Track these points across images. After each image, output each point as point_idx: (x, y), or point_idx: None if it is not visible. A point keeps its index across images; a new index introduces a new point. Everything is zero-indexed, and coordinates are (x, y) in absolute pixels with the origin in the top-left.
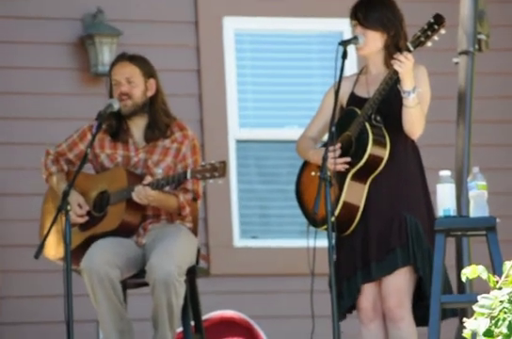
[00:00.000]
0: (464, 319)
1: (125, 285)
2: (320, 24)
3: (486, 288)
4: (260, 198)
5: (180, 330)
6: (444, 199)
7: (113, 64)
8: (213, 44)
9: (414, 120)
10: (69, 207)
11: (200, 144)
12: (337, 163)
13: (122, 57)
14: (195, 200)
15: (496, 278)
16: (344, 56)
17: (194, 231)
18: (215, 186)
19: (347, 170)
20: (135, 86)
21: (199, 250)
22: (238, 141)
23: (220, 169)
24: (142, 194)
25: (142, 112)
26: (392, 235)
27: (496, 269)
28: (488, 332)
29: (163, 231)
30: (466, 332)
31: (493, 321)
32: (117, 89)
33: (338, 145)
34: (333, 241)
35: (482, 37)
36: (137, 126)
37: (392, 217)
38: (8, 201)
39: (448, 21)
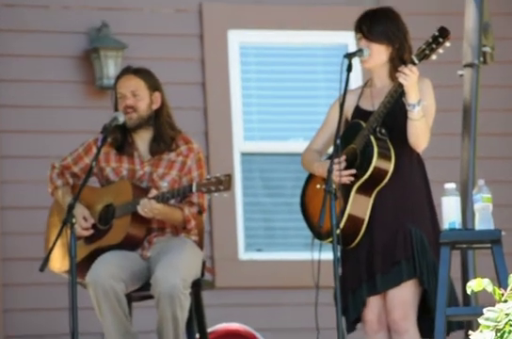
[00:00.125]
0: (470, 332)
1: (130, 298)
2: (325, 37)
3: (491, 301)
4: (265, 211)
5: None
6: (449, 211)
7: (118, 77)
8: (218, 57)
9: (419, 132)
10: (74, 220)
11: (205, 157)
12: (342, 175)
13: (127, 71)
14: (200, 213)
15: (501, 291)
16: (349, 68)
17: (199, 244)
18: (220, 199)
19: (352, 183)
20: (140, 99)
21: (204, 263)
22: (243, 154)
23: (225, 183)
24: (147, 207)
25: (147, 125)
26: (397, 248)
27: (501, 282)
28: None
29: (168, 244)
30: None
31: (499, 334)
32: (122, 103)
33: (343, 157)
34: (338, 254)
35: (487, 49)
36: (143, 139)
37: (397, 229)
38: (13, 214)
39: (453, 33)
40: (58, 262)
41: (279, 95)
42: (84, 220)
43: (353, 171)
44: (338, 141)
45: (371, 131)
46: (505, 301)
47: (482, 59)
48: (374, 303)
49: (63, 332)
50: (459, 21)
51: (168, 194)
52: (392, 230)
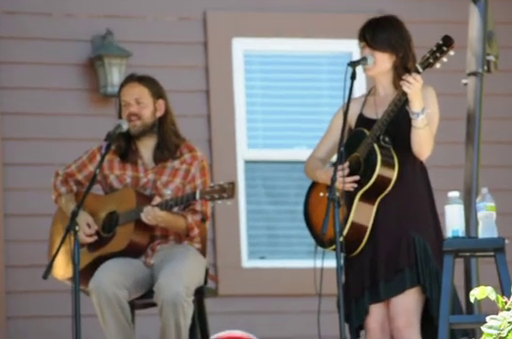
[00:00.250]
0: None
1: (133, 306)
2: (329, 45)
3: (494, 309)
4: (268, 218)
5: None
6: (453, 220)
7: (122, 85)
8: (222, 65)
9: (423, 141)
10: (77, 228)
11: (209, 165)
12: (345, 182)
13: (131, 78)
14: (203, 221)
15: (504, 299)
16: (353, 76)
17: (202, 251)
18: (223, 207)
19: (356, 191)
20: (144, 106)
21: (207, 271)
22: (247, 162)
23: (229, 191)
24: (151, 215)
25: (151, 133)
26: (400, 255)
27: (504, 290)
28: None
29: (171, 251)
30: None
31: None
32: (126, 110)
33: (346, 163)
34: (341, 262)
35: (491, 58)
36: (146, 147)
37: (400, 236)
38: (16, 221)
39: (457, 42)
40: (62, 269)
41: (282, 103)
42: (87, 227)
43: (356, 178)
44: (342, 149)
45: (374, 139)
46: (508, 309)
47: (486, 68)
48: (377, 311)
49: None
50: (463, 29)
51: (172, 202)
52: (396, 237)
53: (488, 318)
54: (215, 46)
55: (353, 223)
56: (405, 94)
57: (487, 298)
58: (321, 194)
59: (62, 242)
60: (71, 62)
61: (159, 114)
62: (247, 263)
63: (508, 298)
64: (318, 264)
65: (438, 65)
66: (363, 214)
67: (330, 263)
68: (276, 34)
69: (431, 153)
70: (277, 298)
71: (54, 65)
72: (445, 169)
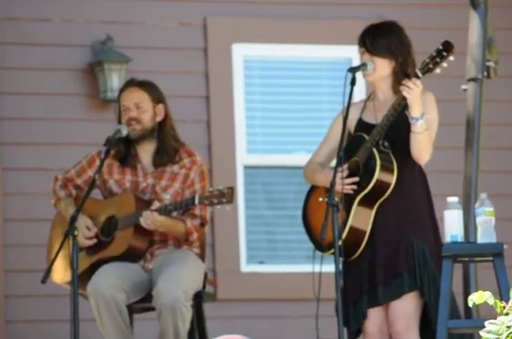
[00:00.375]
0: None
1: (132, 310)
2: (329, 51)
3: (493, 314)
4: (267, 223)
5: None
6: (452, 225)
7: (122, 90)
8: (222, 71)
9: (422, 146)
10: (76, 232)
11: (208, 170)
12: (345, 184)
13: (131, 83)
14: (202, 225)
15: (503, 303)
16: (353, 82)
17: (201, 256)
18: (222, 212)
19: (354, 196)
20: (143, 111)
21: (206, 275)
22: (246, 167)
23: (228, 196)
24: (150, 219)
25: (151, 137)
26: (398, 259)
27: (503, 295)
28: None
29: (170, 256)
30: None
31: None
32: (125, 115)
33: (345, 166)
34: (340, 266)
35: (490, 64)
36: (146, 151)
37: (398, 240)
38: (16, 226)
39: (457, 48)
40: (60, 273)
41: (282, 109)
42: (87, 230)
43: (356, 179)
44: (341, 153)
45: (374, 144)
46: (507, 314)
47: (486, 74)
48: (375, 315)
49: None
50: (463, 35)
51: (171, 206)
52: (394, 242)
53: (486, 323)
54: (214, 52)
55: (351, 228)
56: (404, 99)
57: (485, 302)
58: (320, 199)
59: (61, 246)
60: (70, 67)
61: (159, 119)
62: (245, 267)
63: (507, 302)
64: (317, 268)
65: (438, 70)
66: (362, 218)
67: (329, 267)
68: (276, 40)
69: (430, 158)
70: (275, 303)
71: (54, 70)
72: (444, 175)
